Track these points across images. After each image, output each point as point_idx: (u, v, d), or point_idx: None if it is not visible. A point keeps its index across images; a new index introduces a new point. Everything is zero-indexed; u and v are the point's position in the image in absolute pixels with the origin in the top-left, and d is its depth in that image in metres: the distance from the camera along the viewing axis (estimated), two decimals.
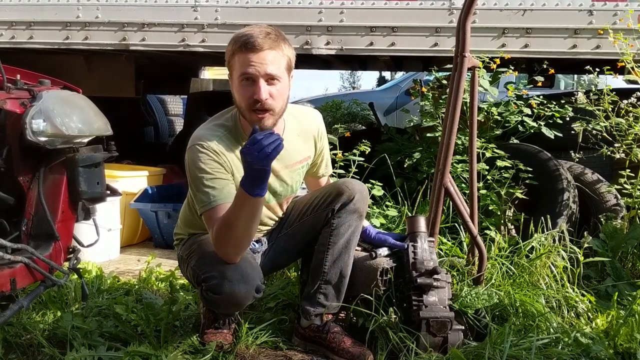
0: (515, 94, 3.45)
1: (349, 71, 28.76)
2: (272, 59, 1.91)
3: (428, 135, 3.44)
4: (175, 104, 7.11)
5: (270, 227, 2.27)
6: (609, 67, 3.06)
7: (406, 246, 2.21)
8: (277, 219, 2.27)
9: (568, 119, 3.21)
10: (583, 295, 2.39)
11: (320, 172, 2.33)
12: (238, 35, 1.95)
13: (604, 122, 3.02)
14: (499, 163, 3.05)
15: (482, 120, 3.33)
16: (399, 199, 3.14)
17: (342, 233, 2.13)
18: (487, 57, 3.20)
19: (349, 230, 2.14)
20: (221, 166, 1.97)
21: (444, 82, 3.47)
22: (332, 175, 2.51)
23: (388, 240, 2.24)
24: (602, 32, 3.14)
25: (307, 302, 2.19)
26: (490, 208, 3.00)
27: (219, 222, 1.89)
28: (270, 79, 1.92)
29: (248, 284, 1.93)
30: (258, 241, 2.20)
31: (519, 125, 3.39)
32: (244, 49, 1.90)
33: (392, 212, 3.06)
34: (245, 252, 1.98)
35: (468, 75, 2.34)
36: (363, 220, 2.21)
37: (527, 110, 3.39)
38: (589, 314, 2.33)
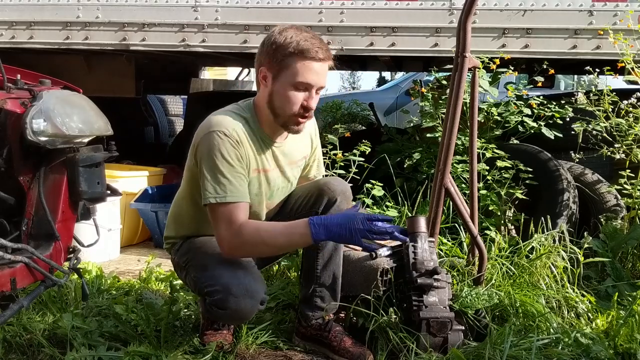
0: (515, 94, 3.45)
1: (349, 71, 28.76)
2: (326, 70, 1.95)
3: (428, 135, 3.44)
4: (175, 104, 7.10)
5: None
6: (609, 68, 3.06)
7: (408, 241, 2.18)
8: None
9: (568, 119, 3.21)
10: (583, 295, 2.39)
11: (312, 173, 2.28)
12: (296, 38, 1.89)
13: (604, 123, 3.02)
14: (499, 163, 3.05)
15: (482, 120, 3.33)
16: (399, 199, 3.14)
17: None
18: (487, 57, 3.20)
19: None
20: (241, 157, 1.92)
21: (444, 82, 3.47)
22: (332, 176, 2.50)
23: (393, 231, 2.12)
24: (602, 32, 3.14)
25: (306, 306, 2.19)
26: (490, 208, 3.00)
27: (255, 234, 1.88)
28: (320, 88, 1.96)
29: (253, 299, 1.90)
30: None
31: (519, 126, 3.39)
32: (309, 56, 1.88)
33: (392, 213, 3.06)
34: None
35: (468, 75, 2.34)
36: None
37: (527, 111, 3.39)
38: (589, 314, 2.33)
